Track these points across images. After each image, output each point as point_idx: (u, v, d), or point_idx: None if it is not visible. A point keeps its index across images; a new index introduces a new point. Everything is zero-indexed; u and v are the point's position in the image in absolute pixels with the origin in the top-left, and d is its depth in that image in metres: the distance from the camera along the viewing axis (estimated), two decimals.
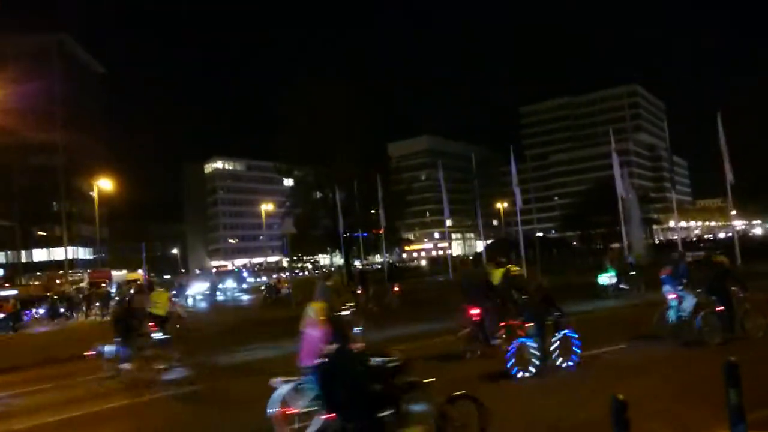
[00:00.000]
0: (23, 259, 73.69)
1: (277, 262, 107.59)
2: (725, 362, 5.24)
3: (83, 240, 76.39)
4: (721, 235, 77.75)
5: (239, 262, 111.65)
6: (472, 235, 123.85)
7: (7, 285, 56.57)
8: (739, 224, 61.64)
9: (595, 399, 6.61)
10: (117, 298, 25.51)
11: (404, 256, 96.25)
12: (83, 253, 77.18)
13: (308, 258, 70.96)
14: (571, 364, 9.01)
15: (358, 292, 19.91)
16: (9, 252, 73.26)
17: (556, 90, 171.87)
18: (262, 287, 39.66)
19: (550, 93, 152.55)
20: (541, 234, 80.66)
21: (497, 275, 11.82)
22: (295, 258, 65.15)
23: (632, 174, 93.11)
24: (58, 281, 53.19)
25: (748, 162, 33.67)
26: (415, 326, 15.76)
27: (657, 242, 68.69)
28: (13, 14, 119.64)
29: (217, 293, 41.20)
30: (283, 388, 6.55)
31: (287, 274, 47.29)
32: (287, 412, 6.47)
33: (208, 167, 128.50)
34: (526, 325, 8.98)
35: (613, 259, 19.63)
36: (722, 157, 24.63)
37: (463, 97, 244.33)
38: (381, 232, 41.90)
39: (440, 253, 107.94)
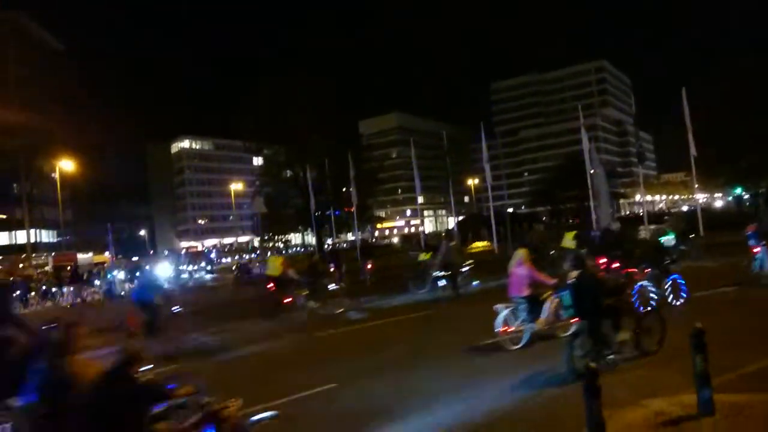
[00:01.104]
0: None
1: (248, 242, 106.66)
2: (692, 329, 5.39)
3: (46, 223, 74.34)
4: (684, 208, 79.94)
5: (209, 242, 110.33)
6: (444, 211, 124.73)
7: None
8: (701, 197, 63.38)
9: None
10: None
11: (376, 234, 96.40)
12: (47, 236, 75.18)
13: (280, 237, 70.44)
14: (681, 302, 11.04)
15: (331, 269, 19.88)
16: None
17: (526, 66, 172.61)
18: (233, 267, 39.08)
19: (520, 69, 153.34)
20: (511, 210, 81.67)
21: (569, 237, 15.88)
22: (266, 237, 64.63)
23: (600, 149, 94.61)
24: (21, 265, 51.79)
25: (711, 136, 34.44)
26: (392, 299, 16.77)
27: (623, 216, 70.22)
28: None
29: (182, 275, 40.01)
30: (503, 312, 9.24)
31: (257, 254, 46.93)
32: (508, 330, 9.18)
33: (175, 146, 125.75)
34: (646, 271, 10.86)
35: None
36: (686, 131, 25.18)
37: (432, 74, 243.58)
38: (353, 210, 41.81)
39: (412, 229, 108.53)
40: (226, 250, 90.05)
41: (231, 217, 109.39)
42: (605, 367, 6.80)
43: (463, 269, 16.90)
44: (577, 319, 7.45)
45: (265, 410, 4.99)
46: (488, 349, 9.18)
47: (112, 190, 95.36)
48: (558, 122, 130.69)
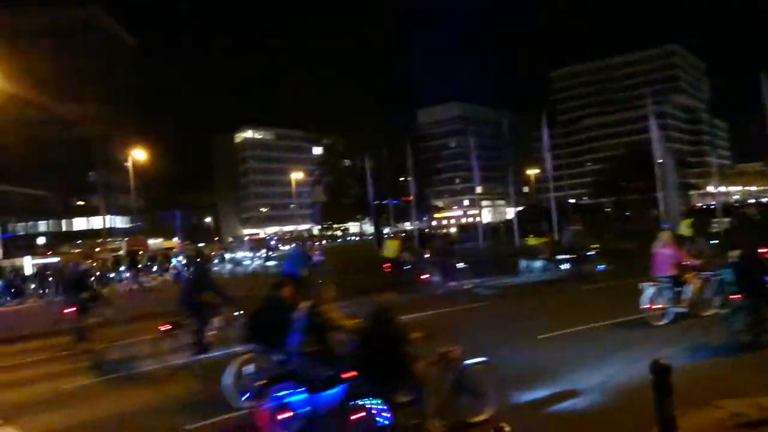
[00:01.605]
0: (64, 228, 76.25)
1: (307, 230, 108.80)
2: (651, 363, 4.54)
3: (120, 209, 78.42)
4: (765, 200, 75.23)
5: (271, 230, 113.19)
6: (503, 202, 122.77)
7: (49, 252, 58.73)
8: None
9: None
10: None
11: (434, 223, 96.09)
12: (120, 222, 79.28)
13: (338, 226, 71.42)
14: None
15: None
16: (50, 221, 75.79)
17: (589, 52, 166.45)
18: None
19: (582, 56, 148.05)
20: (573, 201, 79.40)
21: (686, 224, 16.69)
22: (325, 226, 65.69)
23: (670, 137, 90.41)
24: (97, 249, 54.89)
25: None
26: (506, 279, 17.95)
27: (696, 208, 66.97)
28: None
29: (245, 261, 41.61)
30: (649, 289, 9.91)
31: (318, 242, 47.77)
32: (653, 306, 9.85)
33: (238, 137, 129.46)
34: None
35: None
36: (765, 118, 23.67)
37: (493, 63, 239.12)
38: (410, 199, 41.82)
39: (470, 220, 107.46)
40: (286, 237, 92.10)
41: (291, 206, 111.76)
42: (763, 344, 7.49)
43: (589, 253, 17.61)
44: (738, 296, 8.02)
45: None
46: (634, 324, 9.86)
47: (180, 178, 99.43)
48: (623, 110, 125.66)
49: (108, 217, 76.41)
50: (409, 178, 38.92)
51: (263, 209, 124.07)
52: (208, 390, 7.59)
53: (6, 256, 50.25)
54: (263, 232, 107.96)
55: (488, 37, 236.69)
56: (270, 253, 48.56)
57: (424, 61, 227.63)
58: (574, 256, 16.96)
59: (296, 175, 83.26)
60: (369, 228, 64.39)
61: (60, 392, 8.92)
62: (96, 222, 75.91)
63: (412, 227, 54.43)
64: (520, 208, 68.56)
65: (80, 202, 77.30)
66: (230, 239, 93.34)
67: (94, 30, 77.97)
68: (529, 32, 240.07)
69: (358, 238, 75.11)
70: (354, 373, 5.44)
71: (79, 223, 78.07)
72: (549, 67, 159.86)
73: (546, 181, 40.65)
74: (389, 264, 17.06)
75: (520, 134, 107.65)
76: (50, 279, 27.17)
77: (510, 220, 53.38)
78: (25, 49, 67.13)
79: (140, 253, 44.35)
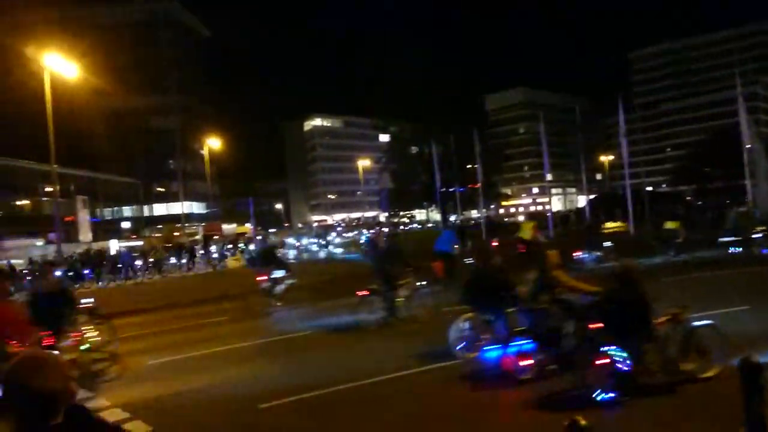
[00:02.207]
0: (145, 213, 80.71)
1: (374, 217, 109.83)
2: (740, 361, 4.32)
3: (197, 196, 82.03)
4: None
5: (338, 216, 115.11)
6: (574, 189, 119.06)
7: (133, 236, 62.38)
8: None
9: None
10: None
11: (501, 211, 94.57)
12: (197, 207, 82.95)
13: (405, 213, 71.70)
14: None
15: (455, 246, 19.99)
16: (133, 206, 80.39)
17: (669, 32, 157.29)
18: (361, 241, 40.57)
19: (662, 35, 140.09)
20: (650, 188, 75.90)
21: None
22: (392, 213, 66.15)
23: (759, 121, 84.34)
24: (176, 233, 57.77)
25: None
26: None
27: None
28: None
29: (312, 247, 42.40)
30: None
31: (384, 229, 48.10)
32: None
33: (307, 125, 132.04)
34: None
35: None
36: None
37: (563, 45, 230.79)
38: (478, 186, 41.37)
39: (539, 208, 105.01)
40: (353, 224, 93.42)
41: (358, 193, 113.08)
42: None
43: (756, 235, 17.36)
44: None
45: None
46: None
47: (252, 166, 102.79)
48: (706, 92, 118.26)
49: (185, 203, 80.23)
50: (476, 165, 38.48)
51: (331, 196, 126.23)
52: (427, 341, 8.99)
53: (95, 239, 53.74)
54: (331, 219, 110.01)
55: (559, 19, 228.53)
56: (334, 239, 49.21)
57: (492, 46, 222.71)
58: (740, 238, 16.97)
59: (363, 163, 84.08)
60: (436, 215, 64.24)
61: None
62: (175, 208, 79.91)
63: (478, 215, 53.88)
64: (593, 196, 66.40)
65: (160, 189, 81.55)
66: (299, 225, 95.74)
67: (171, 23, 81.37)
68: (604, 12, 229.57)
69: (424, 227, 75.12)
70: (600, 325, 6.16)
71: (160, 209, 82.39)
72: (625, 48, 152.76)
73: (620, 168, 38.99)
74: (524, 245, 17.32)
75: (593, 119, 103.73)
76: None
77: (581, 208, 51.72)
78: (108, 44, 71.11)
79: (215, 237, 46.25)
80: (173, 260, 33.53)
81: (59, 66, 24.90)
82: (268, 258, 15.89)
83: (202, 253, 34.60)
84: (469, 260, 14.93)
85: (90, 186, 65.02)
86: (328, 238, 49.86)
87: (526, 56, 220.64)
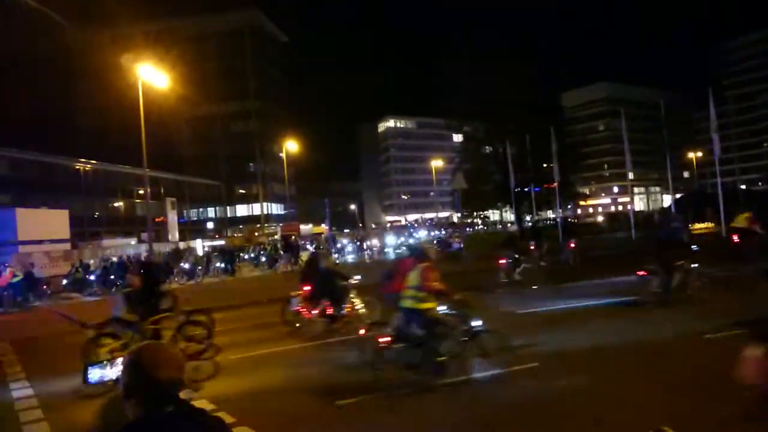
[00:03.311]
0: (228, 214, 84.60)
1: (447, 217, 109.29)
2: None
3: (275, 197, 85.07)
4: None
5: (411, 217, 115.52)
6: (658, 188, 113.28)
7: (216, 236, 65.54)
8: None
9: None
10: None
11: (579, 211, 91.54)
12: (276, 208, 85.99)
13: (479, 213, 70.97)
14: None
15: (531, 247, 19.63)
16: (217, 208, 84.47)
17: (763, 20, 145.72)
18: (434, 241, 40.55)
19: (757, 24, 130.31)
20: (744, 186, 70.97)
21: None
22: (465, 213, 65.67)
23: None
24: (256, 234, 60.12)
25: None
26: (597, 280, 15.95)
27: None
28: None
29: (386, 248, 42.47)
30: None
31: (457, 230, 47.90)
32: None
33: (381, 126, 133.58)
34: None
35: None
36: None
37: (645, 38, 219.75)
38: (554, 186, 40.30)
39: (619, 208, 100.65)
40: (427, 224, 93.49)
41: (432, 193, 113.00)
42: None
43: None
44: None
45: None
46: None
47: (328, 167, 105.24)
48: None
49: (265, 204, 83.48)
50: (552, 164, 37.51)
51: (404, 196, 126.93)
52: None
53: (181, 238, 56.97)
54: (404, 219, 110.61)
55: (640, 9, 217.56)
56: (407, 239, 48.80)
57: (569, 41, 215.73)
58: None
59: (436, 163, 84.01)
60: (510, 216, 63.16)
61: None
62: (256, 208, 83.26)
63: (554, 215, 52.47)
64: (680, 195, 62.92)
65: (242, 191, 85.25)
66: (373, 225, 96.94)
67: (254, 31, 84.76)
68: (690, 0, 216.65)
69: (500, 227, 73.99)
70: None
71: (241, 210, 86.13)
72: (713, 38, 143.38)
73: (711, 165, 36.80)
74: (737, 235, 17.43)
75: (680, 114, 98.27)
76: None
77: (667, 208, 49.21)
78: (195, 54, 75.12)
79: (293, 237, 47.80)
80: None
81: (151, 76, 26.72)
82: (506, 243, 18.53)
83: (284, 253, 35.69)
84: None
85: (177, 188, 68.99)
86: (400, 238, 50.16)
87: (607, 50, 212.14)
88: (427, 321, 7.23)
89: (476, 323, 7.54)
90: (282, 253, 34.15)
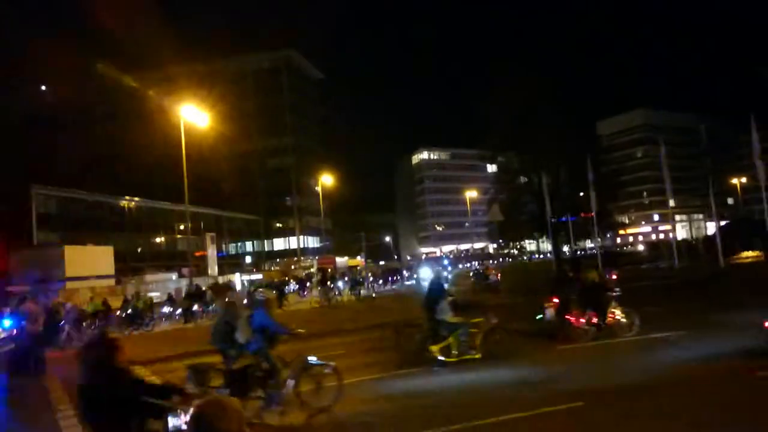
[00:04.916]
0: (266, 248, 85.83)
1: (483, 249, 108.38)
2: None
3: (311, 230, 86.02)
4: None
5: (447, 248, 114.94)
6: (701, 216, 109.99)
7: (254, 270, 66.45)
8: None
9: None
10: None
11: (618, 240, 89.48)
12: (312, 241, 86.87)
13: (515, 244, 70.14)
14: None
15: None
16: (255, 241, 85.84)
17: None
18: (470, 274, 40.23)
19: None
20: None
21: None
22: (501, 243, 65.02)
23: None
24: (292, 267, 60.76)
25: None
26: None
27: None
28: (250, 35, 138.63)
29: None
30: None
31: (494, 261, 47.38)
32: None
33: (415, 158, 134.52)
34: None
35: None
36: None
37: (684, 63, 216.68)
38: (591, 215, 39.65)
39: (660, 236, 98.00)
40: (462, 256, 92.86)
41: (467, 224, 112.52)
42: None
43: None
44: None
45: None
46: None
47: (363, 200, 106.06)
48: None
49: (301, 238, 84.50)
50: (589, 193, 36.98)
51: (439, 227, 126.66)
52: None
53: (220, 273, 57.94)
54: (439, 251, 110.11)
55: (676, 35, 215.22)
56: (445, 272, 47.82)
57: (602, 68, 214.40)
58: None
59: (471, 194, 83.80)
60: (547, 246, 62.19)
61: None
62: (292, 242, 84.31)
63: (593, 245, 51.43)
64: (724, 223, 60.88)
65: (279, 224, 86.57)
66: (408, 257, 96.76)
67: (290, 69, 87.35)
68: (729, 24, 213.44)
69: (538, 257, 72.89)
70: None
71: (278, 243, 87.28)
72: (754, 61, 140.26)
73: (755, 191, 35.64)
74: None
75: (720, 139, 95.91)
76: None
77: (711, 236, 47.71)
78: (233, 92, 77.67)
79: (329, 270, 48.08)
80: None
81: (193, 116, 27.78)
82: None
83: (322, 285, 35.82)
84: None
85: (216, 223, 70.52)
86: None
87: (644, 77, 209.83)
88: None
89: None
90: (319, 287, 34.27)
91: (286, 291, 37.80)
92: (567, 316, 12.19)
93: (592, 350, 11.37)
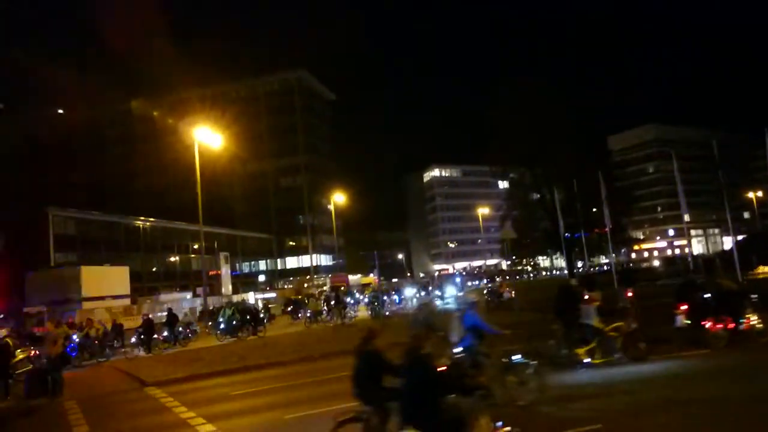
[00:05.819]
0: (278, 267, 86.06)
1: (495, 265, 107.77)
2: None
3: (324, 248, 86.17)
4: None
5: (459, 265, 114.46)
6: (716, 230, 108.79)
7: (267, 288, 66.62)
8: None
9: None
10: None
11: (633, 255, 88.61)
12: (324, 260, 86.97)
13: (528, 260, 69.79)
14: None
15: (586, 297, 19.12)
16: (268, 260, 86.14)
17: None
18: (484, 291, 39.84)
19: None
20: None
21: None
22: (515, 260, 64.73)
23: None
24: (306, 285, 60.78)
25: None
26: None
27: None
28: (261, 57, 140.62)
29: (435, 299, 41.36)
30: None
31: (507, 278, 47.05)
32: None
33: (427, 175, 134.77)
34: None
35: None
36: None
37: (695, 76, 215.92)
38: (605, 231, 39.37)
39: (676, 251, 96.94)
40: (475, 273, 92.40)
41: (479, 241, 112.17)
42: None
43: None
44: None
45: None
46: None
47: (375, 218, 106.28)
48: None
49: (314, 256, 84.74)
50: (603, 209, 36.80)
51: (451, 245, 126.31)
52: None
53: (234, 291, 58.17)
54: (452, 267, 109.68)
55: (689, 48, 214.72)
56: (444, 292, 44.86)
57: (613, 85, 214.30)
58: None
59: (483, 211, 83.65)
60: (561, 262, 61.81)
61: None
62: (305, 260, 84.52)
63: (606, 261, 51.02)
64: (741, 237, 60.10)
65: (291, 243, 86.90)
66: (421, 275, 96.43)
67: (302, 89, 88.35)
68: (742, 38, 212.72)
69: (552, 273, 72.30)
70: None
71: (291, 262, 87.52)
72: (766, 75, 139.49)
73: None
74: None
75: (733, 153, 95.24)
76: None
77: (728, 251, 47.15)
78: (246, 113, 78.66)
79: (342, 288, 48.06)
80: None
81: (207, 138, 28.20)
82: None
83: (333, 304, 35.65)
84: None
85: (230, 242, 70.98)
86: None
87: (655, 92, 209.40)
88: None
89: None
90: (332, 304, 34.16)
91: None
92: (703, 322, 12.15)
93: (734, 353, 11.45)
